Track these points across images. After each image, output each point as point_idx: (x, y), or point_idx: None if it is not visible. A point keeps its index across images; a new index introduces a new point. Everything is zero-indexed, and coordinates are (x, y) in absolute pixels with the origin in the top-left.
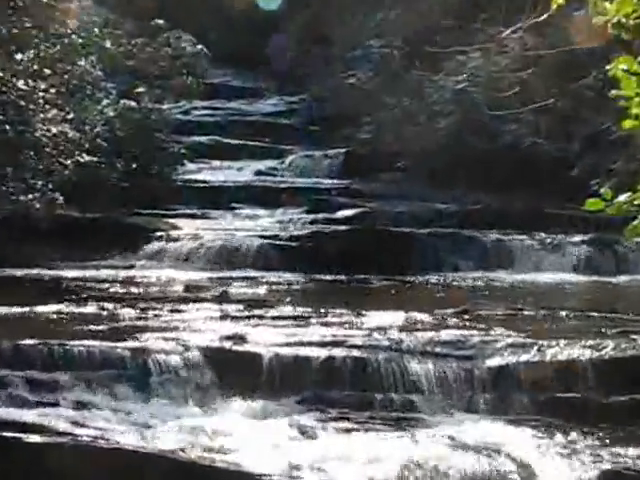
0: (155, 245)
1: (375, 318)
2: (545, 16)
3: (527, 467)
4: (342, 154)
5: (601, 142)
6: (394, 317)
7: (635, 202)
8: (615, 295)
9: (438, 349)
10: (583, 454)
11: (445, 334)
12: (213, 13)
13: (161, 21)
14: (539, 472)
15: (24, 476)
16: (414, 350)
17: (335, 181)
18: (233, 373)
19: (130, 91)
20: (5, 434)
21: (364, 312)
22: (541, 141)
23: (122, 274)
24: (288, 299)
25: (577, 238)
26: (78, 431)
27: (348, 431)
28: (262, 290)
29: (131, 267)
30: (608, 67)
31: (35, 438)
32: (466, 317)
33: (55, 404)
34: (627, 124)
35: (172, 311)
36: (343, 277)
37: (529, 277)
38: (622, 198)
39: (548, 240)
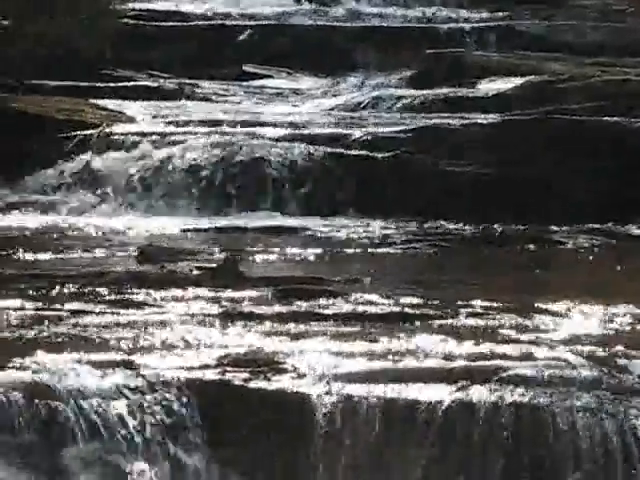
0: (75, 160)
1: (562, 319)
2: None
3: None
4: None
5: None
6: (605, 316)
7: None
8: None
9: None
10: None
11: None
12: None
13: None
14: None
15: None
16: None
17: (472, 14)
18: (250, 437)
19: None
20: None
21: (537, 305)
22: None
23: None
24: (369, 278)
25: None
26: None
27: None
28: (312, 258)
29: (20, 207)
30: None
31: None
32: None
33: None
34: None
35: (113, 304)
36: (490, 228)
37: None
38: None
39: None
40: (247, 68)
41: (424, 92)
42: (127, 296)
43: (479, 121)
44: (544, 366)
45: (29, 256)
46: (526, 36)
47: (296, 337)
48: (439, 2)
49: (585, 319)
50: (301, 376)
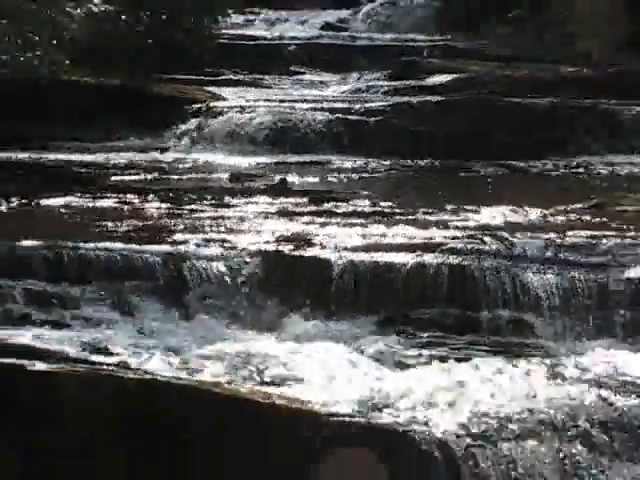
0: (191, 122)
1: (478, 215)
2: None
3: None
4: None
5: None
6: (503, 214)
7: None
8: None
9: (562, 255)
10: None
11: (571, 236)
12: None
13: None
14: None
15: (26, 411)
16: (530, 256)
17: (426, 37)
18: (294, 285)
19: None
20: (1, 360)
21: (464, 208)
22: None
23: (148, 158)
24: (364, 191)
25: None
26: (94, 357)
27: (443, 360)
28: (331, 179)
29: (159, 150)
30: None
31: (40, 366)
32: (598, 214)
33: (64, 324)
34: None
35: (214, 206)
36: (436, 163)
37: None
38: None
39: None
40: (292, 68)
41: (397, 83)
42: (222, 201)
43: (431, 99)
44: (467, 242)
45: (164, 177)
46: (458, 50)
47: (321, 225)
48: (406, 29)
49: (494, 216)
50: (324, 248)
